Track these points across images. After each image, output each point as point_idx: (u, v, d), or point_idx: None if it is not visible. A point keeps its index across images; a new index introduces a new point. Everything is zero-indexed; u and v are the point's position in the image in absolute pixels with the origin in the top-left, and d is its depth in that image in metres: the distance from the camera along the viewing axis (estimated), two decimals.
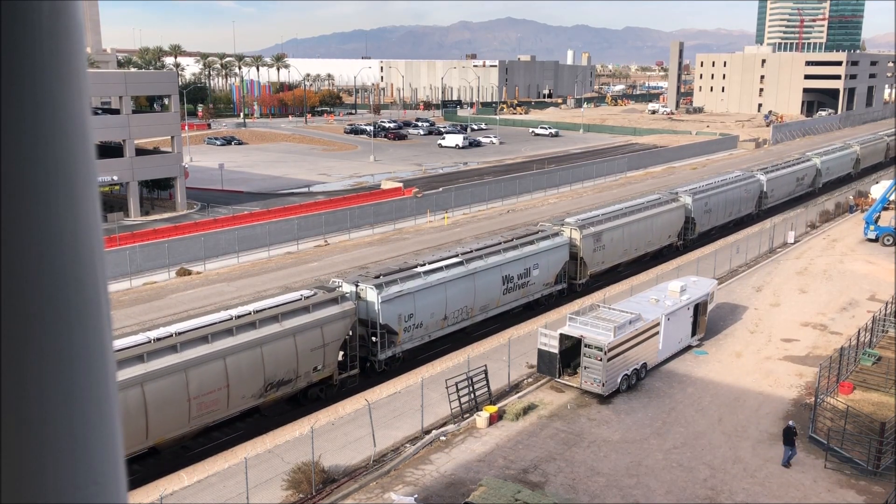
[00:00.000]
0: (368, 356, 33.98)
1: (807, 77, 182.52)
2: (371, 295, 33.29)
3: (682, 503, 24.04)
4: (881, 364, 34.61)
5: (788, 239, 57.98)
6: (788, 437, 26.14)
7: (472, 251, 39.45)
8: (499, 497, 22.97)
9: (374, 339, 33.72)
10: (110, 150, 64.59)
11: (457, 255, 38.44)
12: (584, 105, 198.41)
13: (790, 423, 26.88)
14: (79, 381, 1.06)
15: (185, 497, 24.32)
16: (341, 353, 32.33)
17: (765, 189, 66.78)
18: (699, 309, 36.77)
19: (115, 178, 63.25)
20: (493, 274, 39.30)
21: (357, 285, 33.53)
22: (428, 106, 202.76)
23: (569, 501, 23.73)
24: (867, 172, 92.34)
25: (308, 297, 30.97)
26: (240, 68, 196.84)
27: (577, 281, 45.42)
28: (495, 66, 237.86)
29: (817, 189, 78.73)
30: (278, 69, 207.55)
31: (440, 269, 36.70)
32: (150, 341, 25.80)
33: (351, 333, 32.47)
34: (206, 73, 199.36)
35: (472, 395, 30.22)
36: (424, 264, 36.73)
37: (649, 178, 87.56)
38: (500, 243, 41.19)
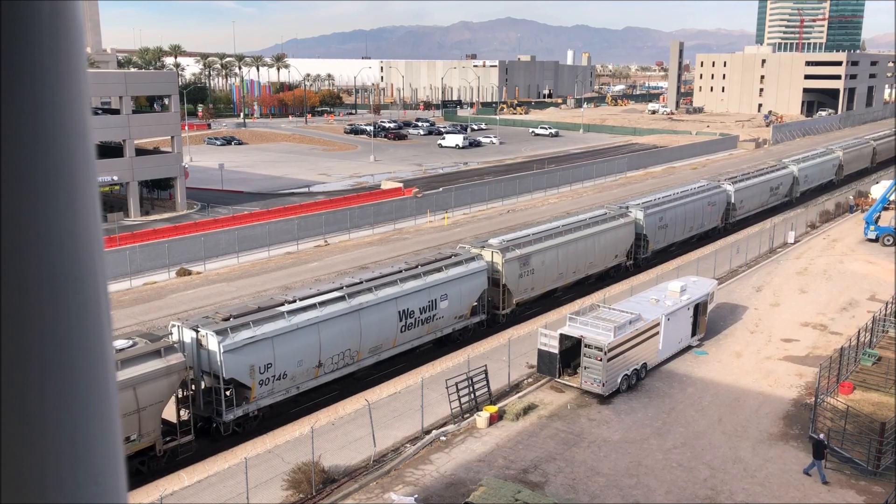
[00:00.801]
0: (213, 416, 28.33)
1: (807, 77, 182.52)
2: (213, 343, 27.44)
3: (682, 503, 24.05)
4: (881, 364, 34.61)
5: (788, 239, 57.98)
6: (819, 450, 25.46)
7: (360, 282, 33.53)
8: (499, 497, 22.97)
9: (226, 393, 28.29)
10: (110, 150, 64.59)
11: (340, 288, 32.54)
12: (584, 105, 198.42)
13: (819, 436, 26.16)
14: (79, 381, 1.06)
15: (185, 497, 24.33)
16: (185, 411, 27.92)
17: (732, 200, 61.63)
18: (699, 309, 36.77)
19: (115, 178, 63.25)
20: (386, 309, 33.33)
21: (197, 331, 27.87)
22: (428, 106, 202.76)
23: (569, 501, 23.73)
24: (851, 179, 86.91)
25: (119, 351, 24.98)
26: (240, 68, 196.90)
27: (500, 311, 40.13)
28: (495, 66, 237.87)
29: (794, 199, 73.05)
30: (278, 69, 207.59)
31: (311, 306, 30.73)
32: None
33: (186, 391, 27.87)
34: (206, 73, 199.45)
35: (472, 395, 30.22)
36: (294, 300, 30.87)
37: (649, 178, 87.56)
38: (398, 272, 35.49)
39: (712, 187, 60.44)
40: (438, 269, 36.56)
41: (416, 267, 36.33)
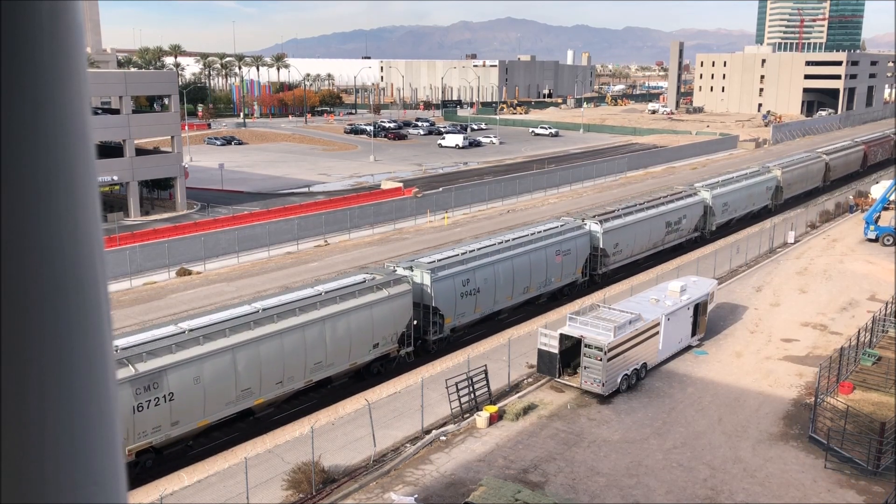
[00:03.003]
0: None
1: (807, 77, 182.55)
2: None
3: (682, 503, 24.05)
4: (881, 364, 34.61)
5: (788, 239, 57.98)
6: None
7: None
8: (499, 497, 22.97)
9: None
10: (110, 150, 64.58)
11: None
12: (584, 105, 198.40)
13: None
14: (79, 381, 1.06)
15: (185, 497, 24.33)
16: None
17: (601, 245, 45.91)
18: (699, 309, 36.77)
19: (115, 178, 63.25)
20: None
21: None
22: (428, 106, 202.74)
23: (569, 501, 23.73)
24: (797, 201, 73.26)
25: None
26: (240, 68, 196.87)
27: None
28: (495, 66, 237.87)
29: (708, 233, 58.15)
30: (278, 69, 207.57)
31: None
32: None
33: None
34: (206, 73, 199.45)
35: (472, 395, 30.22)
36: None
37: (649, 177, 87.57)
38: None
39: (574, 227, 45.66)
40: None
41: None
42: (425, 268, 35.35)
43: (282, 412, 30.52)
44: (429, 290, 35.00)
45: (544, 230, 43.92)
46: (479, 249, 39.45)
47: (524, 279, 40.90)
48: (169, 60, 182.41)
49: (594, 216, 47.35)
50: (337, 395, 32.19)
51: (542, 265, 42.06)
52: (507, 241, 41.47)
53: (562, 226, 45.43)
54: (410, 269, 35.60)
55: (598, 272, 46.71)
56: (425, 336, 35.84)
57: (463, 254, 38.53)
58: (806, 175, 75.23)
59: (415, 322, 34.90)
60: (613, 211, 49.19)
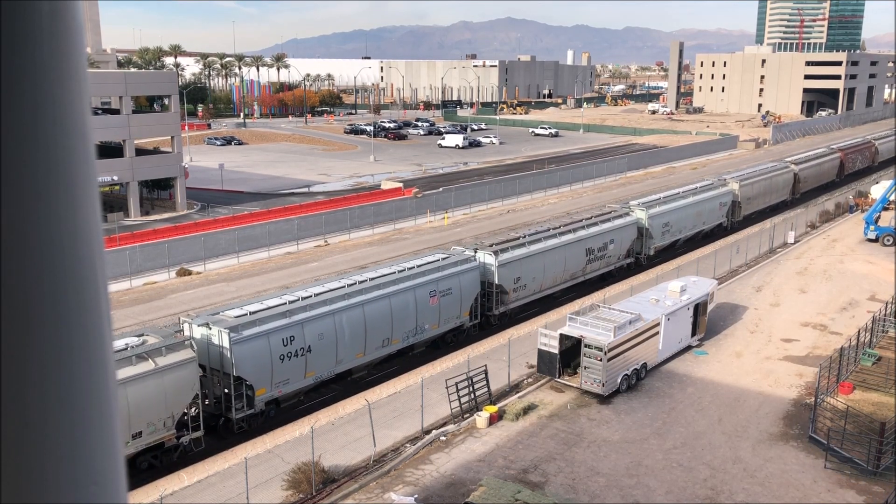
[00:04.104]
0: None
1: (807, 77, 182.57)
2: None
3: (682, 503, 24.05)
4: (881, 364, 34.61)
5: (788, 239, 57.98)
6: None
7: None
8: (499, 497, 22.97)
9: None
10: (110, 150, 64.59)
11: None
12: (584, 105, 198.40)
13: None
14: (79, 381, 1.06)
15: (185, 497, 24.33)
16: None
17: (496, 280, 39.13)
18: (699, 309, 36.77)
19: (115, 178, 63.25)
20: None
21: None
22: (428, 106, 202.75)
23: (569, 501, 23.73)
24: (760, 217, 65.85)
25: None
26: (240, 68, 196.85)
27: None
28: (495, 66, 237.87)
29: (645, 256, 51.41)
30: (278, 69, 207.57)
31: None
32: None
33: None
34: (206, 73, 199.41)
35: (472, 395, 30.22)
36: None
37: (649, 177, 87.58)
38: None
39: (463, 259, 38.24)
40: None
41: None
42: (226, 325, 27.94)
43: (282, 413, 30.52)
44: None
45: (419, 265, 36.22)
46: (315, 296, 31.30)
47: (382, 329, 33.14)
48: (169, 60, 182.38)
49: (490, 244, 40.43)
50: (337, 396, 32.20)
51: (410, 310, 34.33)
52: (359, 282, 33.33)
53: (444, 259, 37.60)
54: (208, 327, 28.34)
55: (493, 313, 39.37)
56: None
57: (287, 304, 30.20)
58: (770, 188, 67.59)
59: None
60: (518, 238, 42.11)
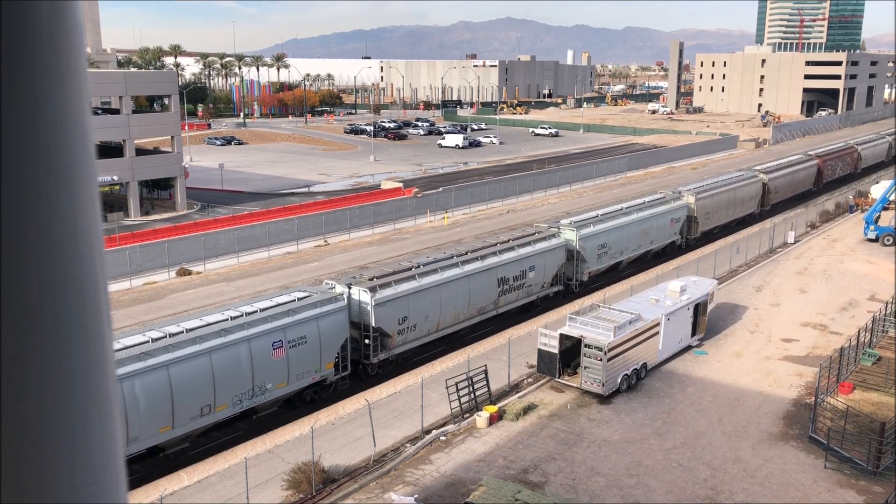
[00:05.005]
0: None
1: (807, 77, 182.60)
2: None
3: (682, 503, 24.05)
4: (881, 364, 34.62)
5: (788, 239, 57.99)
6: None
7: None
8: (499, 497, 22.97)
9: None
10: (110, 150, 64.59)
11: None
12: (584, 105, 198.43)
13: None
14: (79, 381, 1.06)
15: (185, 497, 24.33)
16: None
17: (373, 324, 32.97)
18: (699, 309, 36.77)
19: (115, 178, 63.25)
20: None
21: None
22: (428, 106, 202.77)
23: (569, 501, 23.73)
24: (707, 239, 57.84)
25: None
26: (240, 68, 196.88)
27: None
28: (495, 66, 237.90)
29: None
30: (278, 69, 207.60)
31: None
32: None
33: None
34: (206, 73, 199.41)
35: (472, 395, 30.22)
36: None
37: (649, 178, 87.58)
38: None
39: (319, 301, 31.26)
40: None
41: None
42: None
43: (283, 412, 30.52)
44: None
45: (262, 309, 29.53)
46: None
47: (200, 396, 26.73)
48: (169, 60, 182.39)
49: (371, 277, 34.15)
50: (337, 396, 32.19)
51: (242, 366, 27.92)
52: (170, 334, 26.56)
53: (302, 298, 31.04)
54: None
55: (371, 361, 33.24)
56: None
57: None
58: (733, 200, 61.46)
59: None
60: (407, 269, 35.80)
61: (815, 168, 77.32)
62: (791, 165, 73.29)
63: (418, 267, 36.17)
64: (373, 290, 32.98)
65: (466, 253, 39.11)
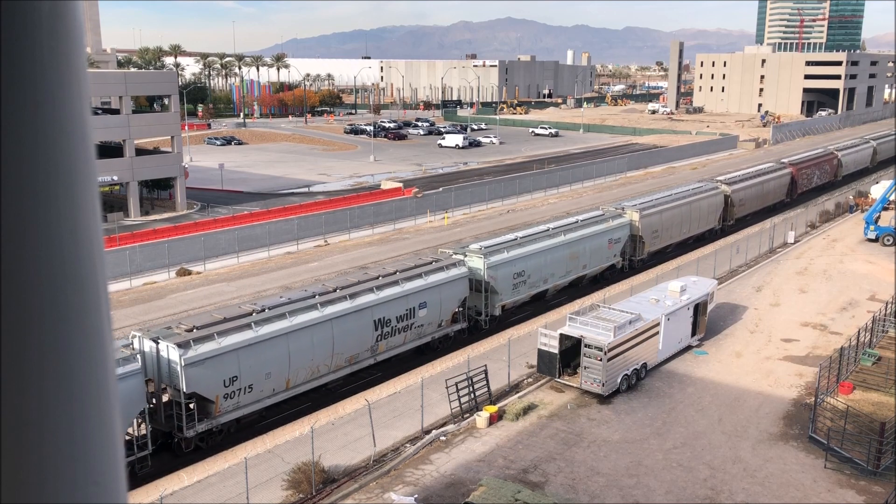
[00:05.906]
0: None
1: (807, 77, 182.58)
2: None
3: (682, 503, 24.05)
4: (881, 364, 34.62)
5: (788, 239, 57.99)
6: None
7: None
8: (499, 497, 22.97)
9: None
10: (110, 150, 64.59)
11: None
12: (584, 105, 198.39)
13: None
14: (79, 381, 1.06)
15: (185, 497, 24.33)
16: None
17: (200, 393, 27.37)
18: (699, 309, 36.77)
19: (115, 178, 63.25)
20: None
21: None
22: (428, 106, 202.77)
23: (569, 501, 23.73)
24: (660, 257, 52.31)
25: None
26: (240, 68, 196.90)
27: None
28: (495, 66, 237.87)
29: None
30: (278, 69, 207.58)
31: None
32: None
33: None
34: (206, 73, 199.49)
35: (472, 395, 30.22)
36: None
37: (649, 177, 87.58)
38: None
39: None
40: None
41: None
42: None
43: (282, 412, 30.51)
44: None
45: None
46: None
47: None
48: (169, 60, 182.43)
49: (191, 328, 27.40)
50: (337, 396, 32.18)
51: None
52: None
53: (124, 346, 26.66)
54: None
55: (184, 435, 26.79)
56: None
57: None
58: (687, 216, 54.94)
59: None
60: (247, 314, 29.07)
61: (789, 177, 71.06)
62: (760, 175, 66.99)
63: (262, 311, 29.28)
64: (184, 345, 26.08)
65: (334, 290, 32.25)
